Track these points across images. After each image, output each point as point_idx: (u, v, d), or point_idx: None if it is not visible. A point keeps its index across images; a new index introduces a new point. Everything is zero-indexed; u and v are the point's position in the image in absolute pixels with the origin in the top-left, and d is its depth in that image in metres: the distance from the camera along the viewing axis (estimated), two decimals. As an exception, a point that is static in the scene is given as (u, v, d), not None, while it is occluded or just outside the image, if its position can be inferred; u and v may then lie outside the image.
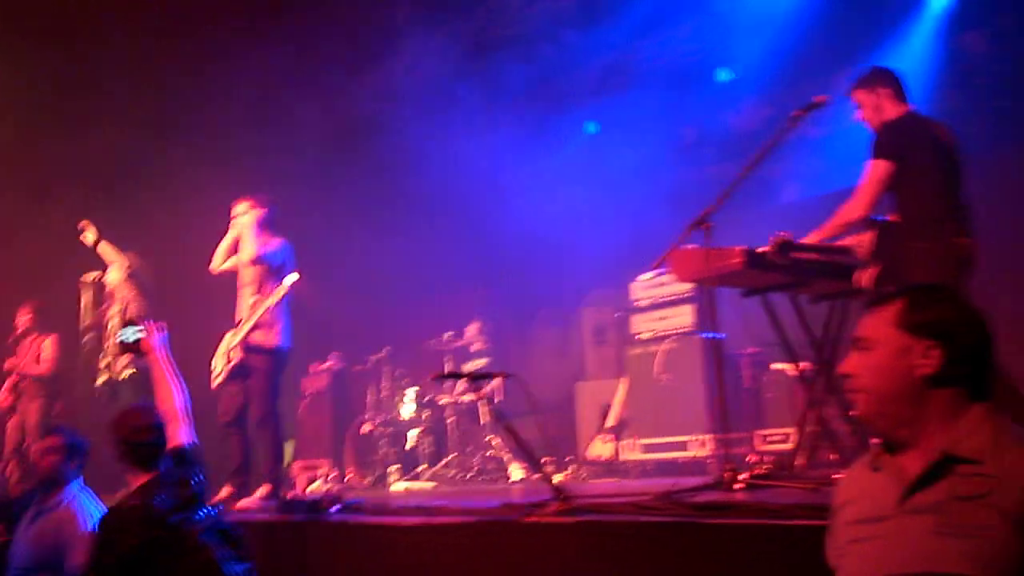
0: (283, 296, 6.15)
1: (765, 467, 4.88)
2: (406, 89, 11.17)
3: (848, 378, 2.11)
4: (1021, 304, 6.91)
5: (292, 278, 6.18)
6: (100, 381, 7.48)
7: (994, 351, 2.03)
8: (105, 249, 7.61)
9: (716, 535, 3.10)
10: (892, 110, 4.69)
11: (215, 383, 6.38)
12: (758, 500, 3.67)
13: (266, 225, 6.43)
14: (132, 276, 7.56)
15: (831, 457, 5.40)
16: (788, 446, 6.65)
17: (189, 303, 8.12)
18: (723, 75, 10.09)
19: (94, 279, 7.71)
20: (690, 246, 5.11)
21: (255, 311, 6.19)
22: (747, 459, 6.51)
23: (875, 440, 2.15)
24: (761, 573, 2.88)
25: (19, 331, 8.50)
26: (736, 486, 4.40)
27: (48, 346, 8.39)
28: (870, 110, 4.79)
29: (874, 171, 4.57)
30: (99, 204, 9.09)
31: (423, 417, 9.08)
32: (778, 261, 4.74)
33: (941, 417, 1.98)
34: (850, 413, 4.72)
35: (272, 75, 9.87)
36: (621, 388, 8.13)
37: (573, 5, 9.89)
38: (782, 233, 4.75)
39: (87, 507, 4.44)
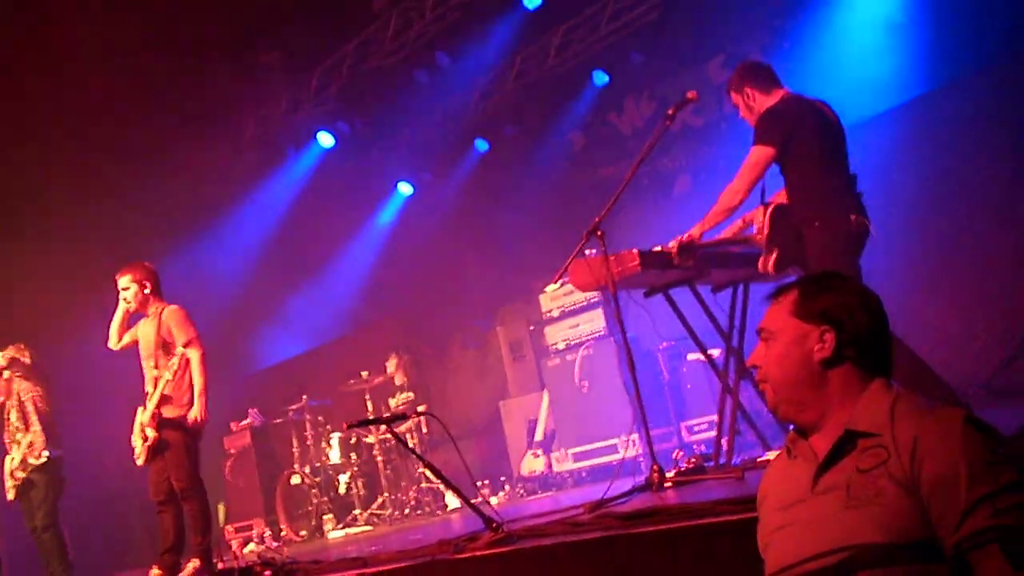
0: (179, 368, 5.96)
1: (692, 460, 4.91)
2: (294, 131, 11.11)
3: (755, 369, 2.20)
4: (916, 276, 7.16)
5: (193, 354, 5.99)
6: (10, 482, 7.17)
7: (886, 328, 2.12)
8: None
9: (647, 542, 3.09)
10: (766, 100, 4.75)
11: (139, 462, 6.17)
12: (687, 499, 3.68)
13: (153, 294, 6.24)
14: (24, 367, 7.27)
15: (754, 439, 5.48)
16: (713, 434, 6.73)
17: (91, 384, 7.89)
18: (600, 78, 10.18)
19: None
20: (589, 253, 5.13)
21: (157, 386, 6.01)
22: (673, 455, 6.55)
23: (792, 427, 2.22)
24: (694, 573, 2.88)
25: None
26: (665, 485, 4.43)
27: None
28: (744, 109, 4.86)
29: (754, 156, 4.64)
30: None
31: (352, 460, 8.94)
32: (684, 264, 4.79)
33: (842, 397, 2.07)
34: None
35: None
36: (544, 400, 8.14)
37: (444, 31, 9.89)
38: (681, 237, 4.79)
39: None
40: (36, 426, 7.14)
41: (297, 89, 10.80)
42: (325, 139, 11.13)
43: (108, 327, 6.37)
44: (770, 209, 4.76)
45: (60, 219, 9.69)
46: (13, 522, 7.22)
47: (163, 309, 6.20)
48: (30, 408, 7.19)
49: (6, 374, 7.27)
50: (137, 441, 6.10)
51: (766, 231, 4.75)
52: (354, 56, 10.34)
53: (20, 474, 7.12)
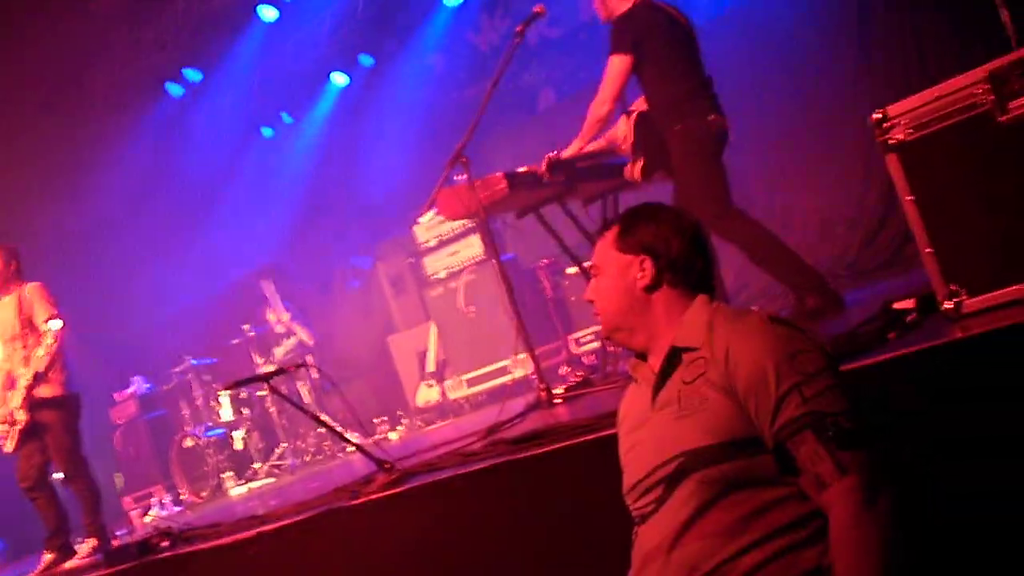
0: (53, 345, 5.70)
1: (579, 374, 4.97)
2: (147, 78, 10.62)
3: (592, 304, 2.34)
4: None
5: (56, 324, 5.73)
6: None
7: (702, 249, 2.28)
8: None
9: (539, 464, 3.11)
10: (618, 4, 4.71)
11: (8, 449, 5.91)
12: (576, 415, 3.73)
13: (12, 275, 5.94)
14: None
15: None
16: (598, 344, 6.84)
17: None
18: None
19: None
20: (457, 178, 5.07)
21: (29, 365, 5.74)
22: (559, 371, 6.63)
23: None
24: (584, 492, 2.92)
25: None
26: (555, 402, 4.47)
27: None
28: (599, 6, 4.80)
29: (613, 66, 4.60)
30: None
31: (244, 415, 8.79)
32: (553, 180, 4.76)
33: (668, 318, 2.22)
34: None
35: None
36: (432, 331, 8.11)
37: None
38: (551, 154, 4.76)
39: None
40: None
41: (136, 37, 10.25)
42: (175, 88, 10.66)
43: None
44: (633, 116, 4.77)
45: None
46: None
47: (23, 286, 5.93)
48: None
49: None
50: (3, 427, 5.85)
51: (631, 139, 4.76)
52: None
53: None
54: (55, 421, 5.81)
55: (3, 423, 5.82)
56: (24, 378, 5.76)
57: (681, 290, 2.23)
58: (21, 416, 5.75)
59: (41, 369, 5.73)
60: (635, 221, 2.30)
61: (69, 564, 5.54)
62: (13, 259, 6.00)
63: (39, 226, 9.37)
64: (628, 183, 4.91)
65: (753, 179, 6.98)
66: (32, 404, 5.76)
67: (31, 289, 5.89)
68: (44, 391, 5.79)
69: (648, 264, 2.23)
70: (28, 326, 5.86)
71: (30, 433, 5.81)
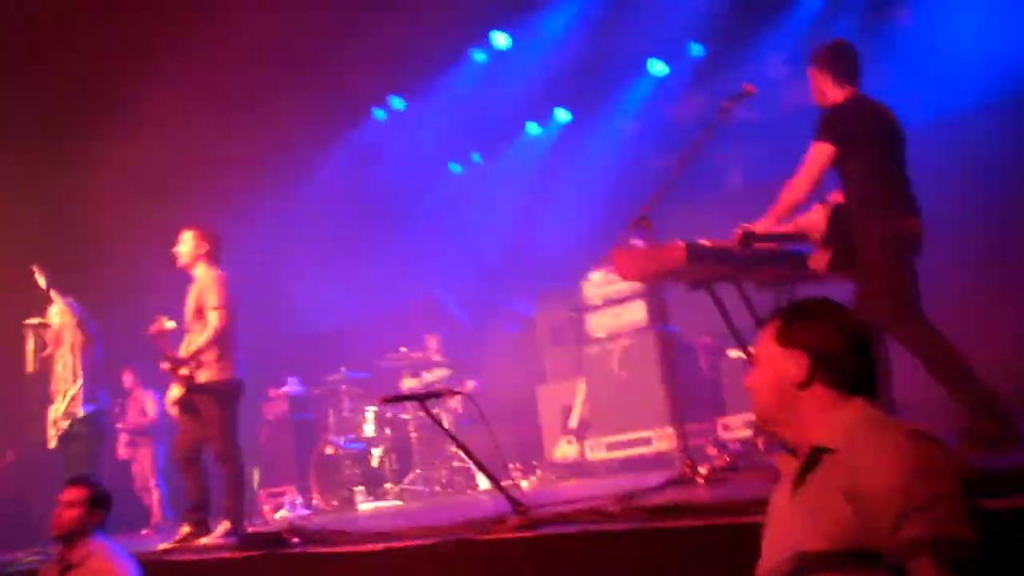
0: (211, 335, 6.01)
1: (726, 458, 4.87)
2: (352, 107, 11.19)
3: (750, 391, 2.36)
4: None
5: (214, 318, 6.03)
6: (52, 431, 7.30)
7: (864, 351, 2.24)
8: (53, 294, 7.46)
9: (674, 538, 3.06)
10: (835, 92, 4.66)
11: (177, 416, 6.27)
12: (718, 496, 3.65)
13: (199, 257, 6.33)
14: (77, 319, 7.39)
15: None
16: (749, 433, 6.68)
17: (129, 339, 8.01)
18: (657, 68, 10.11)
19: (38, 323, 7.53)
20: (633, 243, 5.10)
21: (190, 349, 6.08)
22: (706, 451, 6.51)
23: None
24: (720, 574, 2.85)
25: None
26: (697, 481, 4.39)
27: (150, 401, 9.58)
28: (816, 90, 4.78)
29: (816, 154, 4.56)
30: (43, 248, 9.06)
31: (386, 434, 9.00)
32: (743, 254, 4.72)
33: (817, 416, 2.20)
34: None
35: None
36: (581, 388, 8.11)
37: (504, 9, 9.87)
38: (745, 225, 4.73)
39: (118, 553, 4.35)
40: (79, 379, 7.26)
41: (353, 60, 10.80)
42: (379, 113, 11.21)
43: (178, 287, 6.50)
44: (829, 207, 4.69)
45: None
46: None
47: (206, 272, 6.28)
48: (78, 361, 7.32)
49: (57, 325, 7.40)
50: (171, 395, 6.21)
51: (823, 229, 4.68)
52: (411, 29, 10.32)
53: (63, 424, 7.25)
54: (211, 404, 6.09)
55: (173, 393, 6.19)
56: (188, 360, 6.09)
57: (835, 391, 2.20)
58: (176, 391, 6.09)
59: (192, 354, 6.05)
60: (797, 315, 2.30)
61: (204, 540, 5.78)
62: (205, 241, 6.35)
63: (229, 221, 9.93)
64: (808, 274, 4.82)
65: (948, 289, 6.71)
66: (191, 386, 6.07)
67: (207, 276, 6.23)
68: (202, 375, 6.10)
69: (804, 361, 2.21)
70: (197, 312, 6.21)
71: (188, 411, 6.12)
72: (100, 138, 9.30)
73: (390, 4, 9.79)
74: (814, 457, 2.13)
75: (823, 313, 2.27)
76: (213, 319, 6.06)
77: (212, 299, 6.13)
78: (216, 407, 6.07)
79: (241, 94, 10.33)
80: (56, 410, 7.32)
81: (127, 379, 9.96)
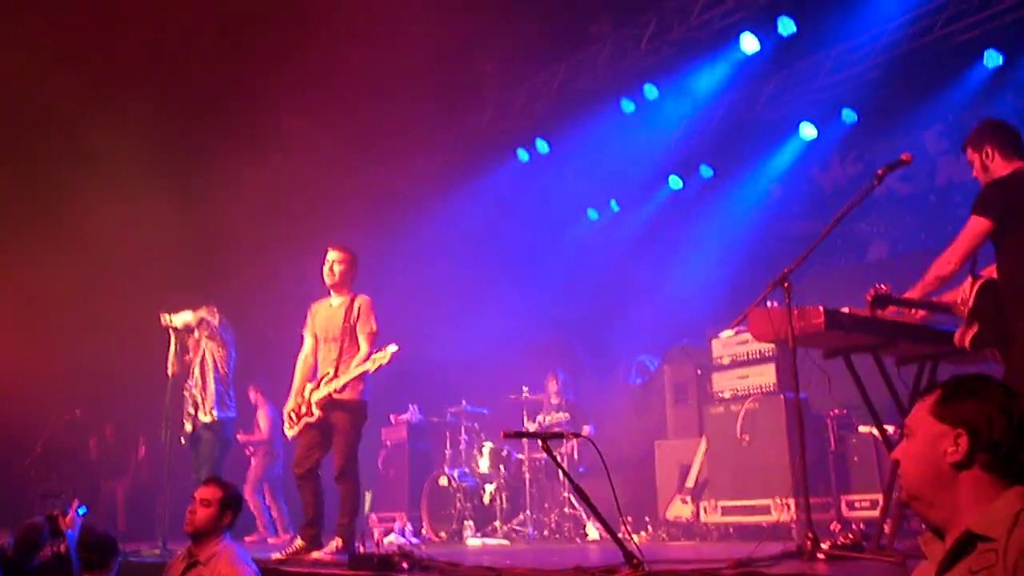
0: (376, 367, 6.11)
1: (849, 536, 4.68)
2: (494, 142, 11.43)
3: (897, 464, 2.23)
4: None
5: (392, 349, 6.10)
6: (184, 431, 7.59)
7: None
8: (185, 314, 7.77)
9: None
10: (1001, 167, 4.50)
11: (290, 434, 6.41)
12: (838, 572, 3.52)
13: (350, 279, 6.51)
14: (212, 327, 7.68)
15: (922, 527, 5.19)
16: (875, 513, 6.42)
17: (265, 353, 8.30)
18: (807, 132, 9.97)
19: (181, 326, 7.83)
20: (771, 305, 5.01)
21: (346, 370, 6.20)
22: (830, 527, 6.28)
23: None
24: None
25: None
26: (817, 556, 4.24)
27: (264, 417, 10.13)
28: (978, 168, 4.62)
29: (972, 227, 4.40)
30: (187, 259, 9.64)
31: (500, 472, 9.02)
32: (874, 315, 4.59)
33: (973, 500, 2.05)
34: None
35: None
36: (701, 447, 7.97)
37: (657, 63, 9.93)
38: (881, 286, 4.60)
39: (245, 558, 4.45)
40: (211, 385, 7.53)
41: (504, 102, 11.05)
42: (524, 154, 11.38)
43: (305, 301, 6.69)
44: (979, 282, 4.52)
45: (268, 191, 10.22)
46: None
47: (356, 296, 6.44)
48: (210, 367, 7.60)
49: (196, 333, 7.70)
50: (294, 415, 6.33)
51: (971, 304, 4.50)
52: (564, 75, 10.49)
53: (188, 427, 7.53)
54: (345, 423, 6.21)
55: (295, 411, 6.32)
56: (334, 382, 6.22)
57: (995, 476, 2.05)
58: (316, 412, 6.20)
59: (352, 380, 6.18)
60: (959, 391, 2.15)
61: (315, 554, 5.89)
62: (355, 265, 6.56)
63: (379, 245, 10.23)
64: (950, 352, 4.64)
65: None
66: (328, 403, 6.21)
67: (363, 301, 6.38)
68: (344, 394, 6.23)
69: (963, 440, 2.07)
70: (350, 333, 6.35)
71: (316, 427, 6.26)
72: (245, 163, 9.78)
73: (551, 53, 10.02)
74: (968, 543, 1.99)
75: (987, 390, 2.13)
76: (367, 344, 6.19)
77: (371, 325, 6.29)
78: (347, 425, 6.20)
79: (393, 126, 10.70)
80: (189, 413, 7.60)
81: (252, 395, 10.26)
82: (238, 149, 9.86)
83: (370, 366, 6.04)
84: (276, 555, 6.02)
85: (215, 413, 7.49)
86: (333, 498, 6.27)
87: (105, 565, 5.02)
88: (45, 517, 5.08)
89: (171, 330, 7.67)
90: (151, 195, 9.78)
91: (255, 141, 9.88)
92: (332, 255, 6.51)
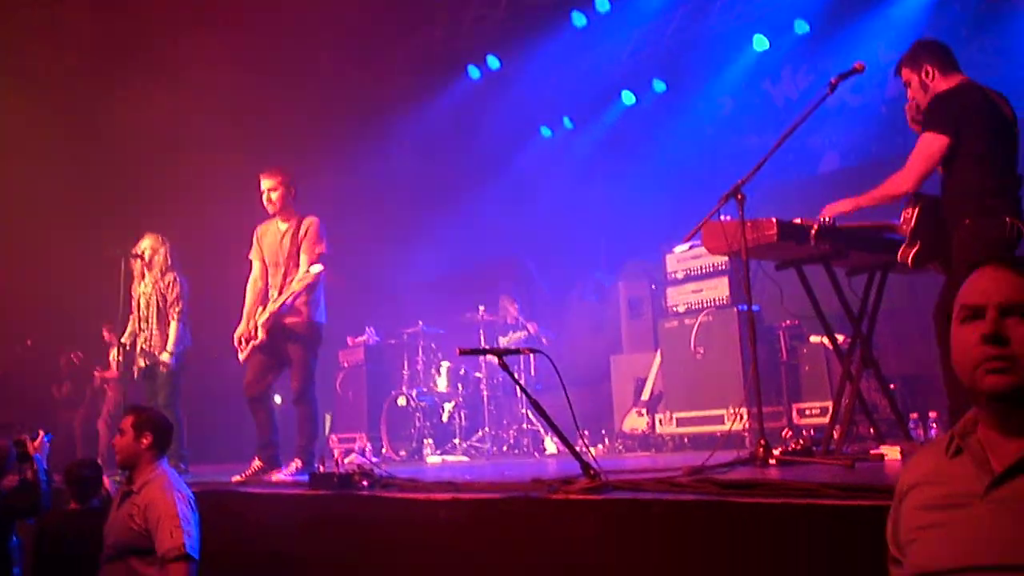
0: (309, 283, 6.07)
1: (800, 442, 4.80)
2: (449, 63, 11.24)
3: (1003, 344, 1.89)
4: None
5: (316, 269, 6.07)
6: (138, 361, 7.50)
7: None
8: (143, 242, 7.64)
9: (746, 514, 3.03)
10: (942, 83, 4.50)
11: (241, 358, 6.36)
12: (791, 478, 3.59)
13: (291, 202, 6.38)
14: (161, 258, 7.55)
15: (869, 432, 5.32)
16: (825, 420, 6.58)
17: (208, 277, 8.21)
18: (760, 43, 9.90)
19: (131, 252, 7.69)
20: (724, 217, 5.03)
21: (282, 293, 6.15)
22: (782, 434, 6.43)
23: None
24: (792, 554, 2.82)
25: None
26: (770, 462, 4.34)
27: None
28: (917, 88, 4.60)
29: (927, 144, 4.36)
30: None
31: (458, 390, 9.08)
32: (819, 247, 4.63)
33: None
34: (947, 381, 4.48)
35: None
36: (656, 361, 8.07)
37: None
38: (825, 219, 4.61)
39: (176, 485, 4.42)
40: (164, 319, 7.43)
41: (454, 18, 10.83)
42: (474, 71, 11.21)
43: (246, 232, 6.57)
44: (920, 202, 4.54)
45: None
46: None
47: (303, 218, 6.33)
48: (161, 299, 7.48)
49: (140, 263, 7.56)
50: (243, 340, 6.28)
51: (912, 223, 4.53)
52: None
53: (142, 362, 7.44)
54: (299, 346, 6.19)
55: (243, 336, 6.28)
56: (274, 303, 6.17)
57: None
58: (261, 335, 6.17)
59: (290, 301, 6.13)
60: None
61: (275, 476, 5.92)
62: (293, 186, 6.40)
63: (328, 168, 10.08)
64: (899, 263, 4.70)
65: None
66: (278, 328, 6.17)
67: (310, 223, 6.28)
68: (291, 318, 6.19)
69: None
70: (295, 256, 6.27)
71: (265, 351, 6.22)
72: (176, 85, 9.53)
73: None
74: None
75: None
76: (316, 267, 6.10)
77: (318, 247, 6.20)
78: (301, 350, 6.17)
79: (340, 46, 10.46)
80: (143, 348, 7.49)
81: (106, 333, 9.90)
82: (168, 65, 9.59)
83: (296, 286, 6.02)
84: (236, 477, 6.03)
85: (168, 351, 7.38)
86: (291, 421, 6.29)
87: (96, 493, 5.02)
88: (12, 442, 5.05)
89: (128, 260, 7.54)
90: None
91: (184, 61, 9.58)
92: (265, 183, 6.35)
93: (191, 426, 7.68)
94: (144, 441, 4.49)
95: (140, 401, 7.18)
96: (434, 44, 11.22)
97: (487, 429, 8.72)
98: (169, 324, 7.43)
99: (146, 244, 7.59)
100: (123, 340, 7.60)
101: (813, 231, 4.61)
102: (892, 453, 4.43)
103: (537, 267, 10.88)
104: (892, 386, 5.31)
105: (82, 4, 9.47)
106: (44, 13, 9.44)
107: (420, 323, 9.51)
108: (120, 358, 9.31)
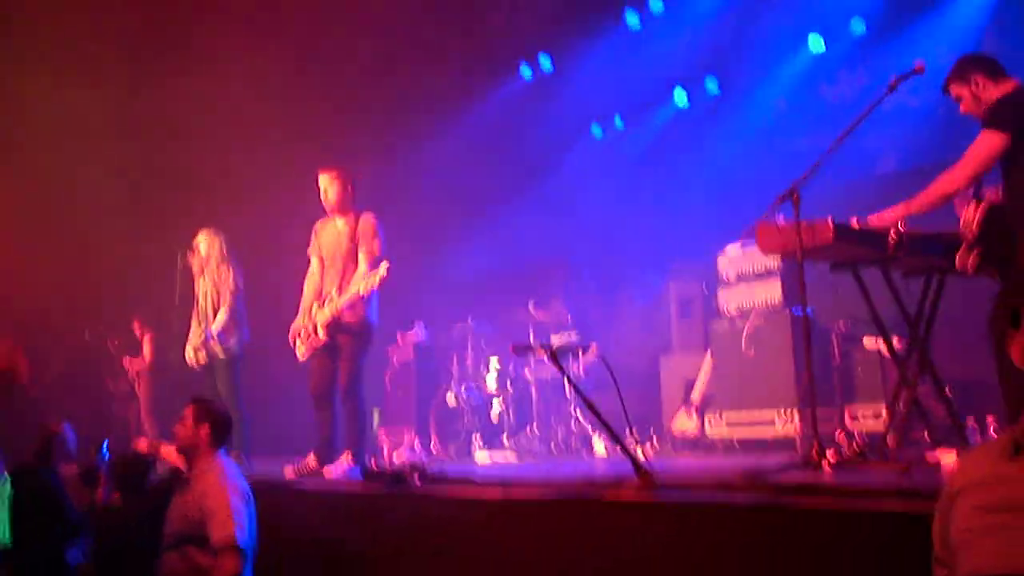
0: (375, 283, 6.09)
1: (854, 446, 4.74)
2: (502, 62, 11.28)
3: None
4: None
5: (382, 272, 6.03)
6: (197, 356, 7.59)
7: None
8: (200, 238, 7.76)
9: (801, 518, 3.02)
10: (995, 90, 4.44)
11: (302, 357, 6.43)
12: (846, 482, 3.57)
13: (349, 199, 6.44)
14: (218, 252, 7.66)
15: (924, 437, 5.25)
16: (879, 424, 6.51)
17: (270, 276, 8.32)
18: (816, 44, 9.80)
19: (187, 250, 7.81)
20: (778, 218, 4.99)
21: (343, 290, 6.20)
22: (835, 437, 6.36)
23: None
24: (847, 558, 2.80)
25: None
26: (824, 465, 4.30)
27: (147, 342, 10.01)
28: (970, 100, 4.55)
29: (985, 143, 4.30)
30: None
31: (507, 387, 9.10)
32: (896, 254, 4.57)
33: None
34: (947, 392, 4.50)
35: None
36: (706, 362, 8.02)
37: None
38: (898, 228, 4.53)
39: (231, 477, 4.50)
40: (223, 313, 7.53)
41: (506, 18, 10.86)
42: (526, 71, 11.24)
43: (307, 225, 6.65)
44: (984, 206, 4.46)
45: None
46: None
47: (360, 215, 6.37)
48: (220, 292, 7.58)
49: (196, 258, 7.68)
50: (301, 335, 6.34)
51: (975, 229, 4.46)
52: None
53: (202, 355, 7.55)
54: (349, 344, 6.25)
55: (298, 330, 6.35)
56: (334, 303, 6.23)
57: None
58: (321, 334, 6.23)
59: (355, 300, 6.17)
60: None
61: (327, 471, 5.98)
62: (350, 183, 6.46)
63: (380, 161, 10.16)
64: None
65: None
66: (334, 326, 6.23)
67: (366, 221, 6.32)
68: (348, 316, 6.24)
69: None
70: (353, 253, 6.33)
71: (325, 350, 6.29)
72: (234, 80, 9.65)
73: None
74: None
75: None
76: (381, 270, 6.04)
77: (372, 245, 6.23)
78: (351, 347, 6.23)
79: (392, 47, 10.54)
80: (196, 336, 7.60)
81: (137, 328, 10.15)
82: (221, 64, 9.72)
83: (360, 289, 6.05)
84: (289, 471, 6.11)
85: (231, 342, 7.48)
86: (339, 416, 6.35)
87: (140, 486, 5.13)
88: (81, 472, 5.16)
89: (184, 254, 7.66)
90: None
91: (239, 60, 9.70)
92: (322, 180, 6.43)
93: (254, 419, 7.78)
94: (202, 431, 4.57)
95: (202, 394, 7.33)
96: (486, 43, 11.26)
97: (535, 427, 8.73)
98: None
99: (201, 238, 7.72)
100: (190, 333, 7.69)
101: (891, 240, 4.53)
102: (948, 458, 4.37)
103: (588, 267, 10.86)
104: (948, 391, 5.22)
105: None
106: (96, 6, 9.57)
107: (470, 320, 9.54)
108: (148, 350, 9.76)
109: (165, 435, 8.39)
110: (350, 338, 6.24)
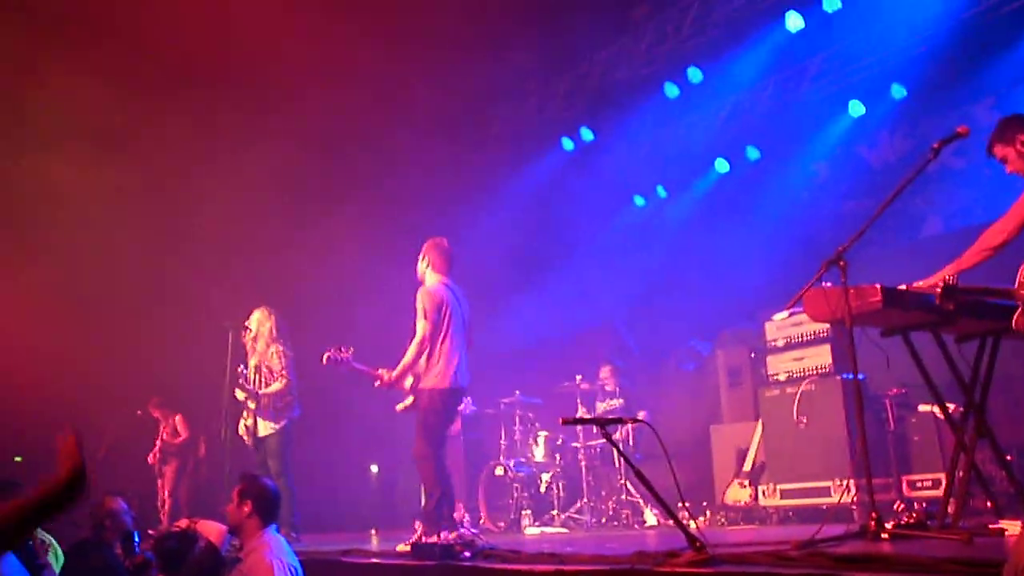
0: (414, 353, 6.29)
1: (913, 515, 4.64)
2: (539, 132, 11.43)
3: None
4: None
5: (418, 339, 6.29)
6: (248, 431, 7.66)
7: None
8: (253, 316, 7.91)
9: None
10: None
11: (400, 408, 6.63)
12: (905, 552, 3.48)
13: (424, 269, 6.65)
14: (271, 329, 7.78)
15: (986, 505, 5.12)
16: (937, 493, 6.35)
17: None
18: (856, 109, 9.82)
19: (240, 324, 7.93)
20: (826, 284, 4.96)
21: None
22: (894, 506, 6.23)
23: None
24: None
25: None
26: (882, 535, 4.21)
27: (179, 421, 10.49)
28: (1015, 160, 4.55)
29: None
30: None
31: (556, 461, 9.04)
32: (947, 307, 4.52)
33: None
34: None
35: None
36: (757, 431, 7.93)
37: (700, 46, 9.85)
38: (945, 276, 4.52)
39: (277, 554, 4.50)
40: (274, 388, 7.62)
41: (546, 91, 11.04)
42: (568, 143, 11.37)
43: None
44: None
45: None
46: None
47: (421, 286, 6.56)
48: (272, 369, 7.68)
49: (250, 336, 7.79)
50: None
51: (1031, 287, 4.41)
52: (606, 63, 10.46)
53: (252, 430, 7.62)
54: (421, 409, 6.31)
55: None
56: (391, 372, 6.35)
57: None
58: (409, 397, 6.42)
59: (401, 371, 6.28)
60: None
61: (399, 545, 5.84)
62: (427, 255, 6.71)
63: (427, 234, 10.30)
64: (1012, 330, 4.55)
65: None
66: (414, 388, 6.36)
67: (420, 293, 6.47)
68: (415, 382, 6.36)
69: None
70: (415, 322, 6.45)
71: (410, 410, 6.43)
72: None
73: (593, 40, 9.96)
74: None
75: None
76: (418, 335, 6.28)
77: (420, 320, 6.36)
78: (419, 412, 6.30)
79: (434, 122, 10.74)
80: (247, 417, 7.68)
81: (154, 411, 10.61)
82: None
83: (406, 357, 6.29)
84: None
85: (277, 425, 7.56)
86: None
87: (179, 568, 5.14)
88: (133, 566, 5.20)
89: (236, 333, 7.78)
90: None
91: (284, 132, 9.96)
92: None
93: (302, 495, 7.79)
94: (245, 508, 4.61)
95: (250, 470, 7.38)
96: (529, 116, 11.45)
97: (586, 500, 8.65)
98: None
99: (254, 317, 7.85)
100: (243, 410, 7.77)
101: (939, 290, 4.50)
102: (1013, 528, 4.25)
103: (633, 336, 10.84)
104: (1008, 457, 5.10)
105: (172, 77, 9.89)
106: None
107: (517, 392, 9.54)
108: (182, 427, 10.20)
109: (194, 511, 8.55)
110: (421, 402, 6.37)
